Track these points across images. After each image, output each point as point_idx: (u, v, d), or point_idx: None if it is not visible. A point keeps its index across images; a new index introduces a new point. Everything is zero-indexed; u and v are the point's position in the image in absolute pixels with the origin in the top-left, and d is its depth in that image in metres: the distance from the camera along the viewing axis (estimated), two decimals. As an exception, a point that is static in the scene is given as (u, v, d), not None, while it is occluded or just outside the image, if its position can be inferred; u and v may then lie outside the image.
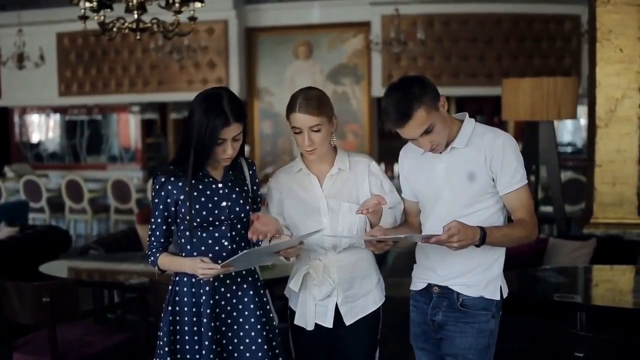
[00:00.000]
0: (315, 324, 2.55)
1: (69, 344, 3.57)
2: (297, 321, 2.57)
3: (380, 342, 2.68)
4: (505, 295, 2.48)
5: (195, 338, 2.41)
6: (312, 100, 2.46)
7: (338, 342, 2.59)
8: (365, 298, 2.59)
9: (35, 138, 12.22)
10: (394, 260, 7.38)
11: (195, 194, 2.39)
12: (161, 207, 2.44)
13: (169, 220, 2.46)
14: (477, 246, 2.23)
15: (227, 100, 2.33)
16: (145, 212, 6.22)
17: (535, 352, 3.41)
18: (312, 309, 2.54)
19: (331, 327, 2.54)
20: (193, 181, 2.38)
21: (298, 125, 2.45)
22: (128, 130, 11.86)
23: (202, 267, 2.31)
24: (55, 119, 12.08)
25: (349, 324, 2.56)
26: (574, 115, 5.01)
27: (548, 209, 6.37)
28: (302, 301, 2.56)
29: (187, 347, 2.42)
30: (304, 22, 10.62)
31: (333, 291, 2.53)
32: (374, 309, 2.60)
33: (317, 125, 2.45)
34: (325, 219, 2.50)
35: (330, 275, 2.53)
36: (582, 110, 7.76)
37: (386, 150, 10.84)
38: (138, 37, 4.66)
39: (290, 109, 2.47)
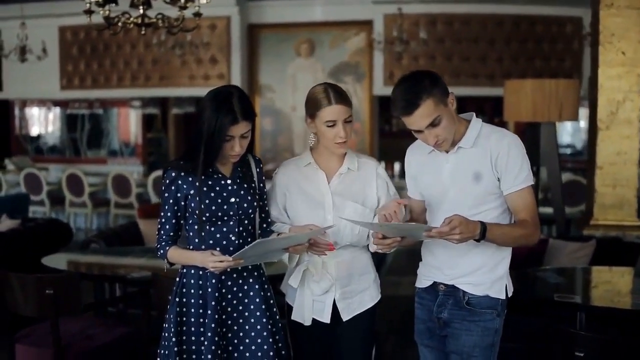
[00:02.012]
0: (313, 319, 2.58)
1: (71, 336, 3.59)
2: (295, 316, 2.60)
3: (379, 339, 2.70)
4: (510, 294, 2.50)
5: (201, 330, 2.45)
6: (343, 92, 2.53)
7: (335, 338, 2.62)
8: (362, 294, 2.62)
9: (35, 131, 12.22)
10: (393, 259, 7.40)
11: (204, 189, 2.43)
12: (171, 201, 2.47)
13: (179, 214, 2.50)
14: (477, 241, 2.24)
15: (236, 98, 2.37)
16: (146, 207, 6.24)
17: (536, 351, 3.45)
18: (309, 305, 2.57)
19: (328, 322, 2.57)
20: (203, 177, 2.42)
21: (333, 118, 2.48)
22: (129, 124, 11.86)
23: (213, 260, 2.34)
24: (56, 112, 12.08)
25: (346, 319, 2.58)
26: (575, 117, 5.04)
27: (548, 210, 6.39)
28: (300, 297, 2.58)
29: (193, 338, 2.46)
30: (306, 19, 10.62)
31: (331, 287, 2.55)
32: (370, 306, 2.63)
33: (350, 116, 2.51)
34: (329, 215, 2.52)
35: (328, 270, 2.55)
36: (583, 112, 7.77)
37: (387, 149, 10.87)
38: (143, 32, 4.67)
39: (323, 102, 2.49)
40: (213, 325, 2.41)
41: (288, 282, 2.61)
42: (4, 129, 12.48)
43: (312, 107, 2.53)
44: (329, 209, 2.53)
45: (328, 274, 2.55)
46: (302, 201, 2.57)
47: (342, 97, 2.50)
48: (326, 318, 2.57)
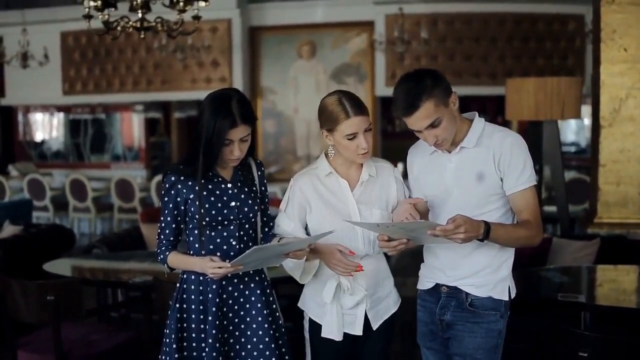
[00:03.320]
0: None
1: (73, 342, 3.58)
2: (325, 333, 2.51)
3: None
4: (513, 295, 2.47)
5: (202, 336, 2.43)
6: (358, 100, 2.44)
7: (362, 348, 2.59)
8: (387, 300, 2.60)
9: (39, 137, 12.25)
10: (397, 261, 7.37)
11: (204, 193, 2.41)
12: (171, 205, 2.46)
13: (179, 219, 2.48)
14: (481, 240, 2.22)
15: (235, 101, 2.35)
16: (149, 211, 6.23)
17: (539, 351, 3.42)
18: (340, 319, 2.50)
19: (361, 334, 2.52)
20: (203, 181, 2.40)
21: (354, 131, 2.39)
22: (131, 129, 11.89)
23: (212, 266, 2.32)
24: (59, 117, 12.11)
25: (376, 327, 2.55)
26: (577, 115, 5.00)
27: (552, 208, 6.36)
28: (330, 312, 2.50)
29: (194, 344, 2.44)
30: (307, 21, 10.61)
31: (364, 298, 2.51)
32: (394, 310, 2.62)
33: (370, 124, 2.44)
34: (357, 225, 2.46)
35: (359, 282, 2.51)
36: (586, 110, 7.75)
37: (390, 150, 10.82)
38: (142, 36, 4.67)
39: (340, 116, 2.39)
40: (214, 331, 2.40)
41: (321, 297, 2.51)
42: (7, 135, 12.53)
43: (329, 121, 2.42)
44: (355, 218, 2.47)
45: (359, 286, 2.50)
46: (326, 213, 2.49)
47: (360, 107, 2.42)
48: (358, 330, 2.52)
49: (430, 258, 2.53)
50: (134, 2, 4.48)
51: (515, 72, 9.79)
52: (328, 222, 2.48)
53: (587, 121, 10.76)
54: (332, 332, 2.50)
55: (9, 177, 10.96)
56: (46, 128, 12.25)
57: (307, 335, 2.60)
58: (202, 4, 4.58)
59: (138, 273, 4.08)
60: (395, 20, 9.56)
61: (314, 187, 2.52)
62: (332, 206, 2.49)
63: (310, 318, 2.58)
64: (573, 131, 12.46)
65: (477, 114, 2.46)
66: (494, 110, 11.99)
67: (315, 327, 2.55)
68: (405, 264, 6.58)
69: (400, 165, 9.55)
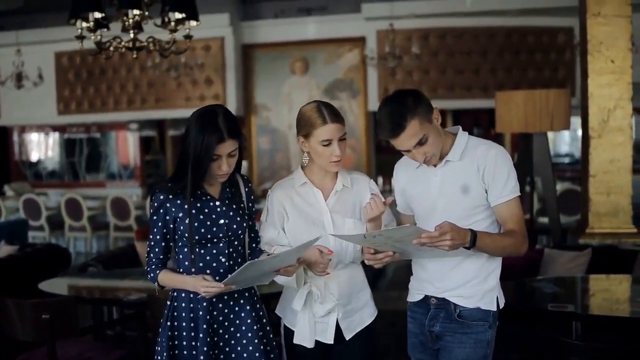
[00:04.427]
0: (315, 341, 2.57)
1: (69, 360, 3.59)
2: (297, 340, 2.56)
3: (380, 354, 2.70)
4: (502, 305, 2.50)
5: (193, 353, 2.43)
6: (335, 109, 2.52)
7: (336, 357, 2.61)
8: (361, 312, 2.62)
9: (34, 156, 12.28)
10: (393, 274, 7.40)
11: (193, 211, 2.42)
12: (160, 224, 2.46)
13: (168, 237, 2.48)
14: (468, 248, 2.25)
15: (222, 117, 2.37)
16: (144, 229, 6.24)
17: (531, 361, 3.44)
18: (312, 327, 2.55)
19: (332, 342, 2.55)
20: (192, 199, 2.42)
21: (328, 137, 2.46)
22: (126, 147, 11.92)
23: (205, 285, 2.33)
24: (54, 137, 12.14)
25: (348, 338, 2.57)
26: (567, 127, 5.06)
27: (544, 219, 6.39)
28: (302, 319, 2.55)
29: (185, 361, 2.44)
30: (300, 37, 10.70)
31: (335, 307, 2.54)
32: (369, 322, 2.63)
33: (344, 133, 2.50)
34: (330, 233, 2.51)
35: (330, 291, 2.55)
36: (578, 121, 7.81)
37: (384, 164, 10.86)
38: (135, 55, 4.71)
39: (317, 122, 2.47)
40: (205, 348, 2.40)
41: (291, 305, 2.56)
42: (2, 155, 12.55)
43: (306, 126, 2.50)
44: (329, 227, 2.52)
45: (331, 294, 2.54)
46: (301, 222, 2.55)
47: (336, 116, 2.49)
48: (329, 339, 2.55)
49: (419, 270, 2.56)
50: (126, 23, 4.53)
51: (506, 84, 9.87)
52: (304, 230, 2.52)
53: (580, 132, 10.83)
54: (303, 339, 2.55)
55: (4, 197, 10.98)
56: (41, 148, 12.28)
57: (282, 341, 2.65)
58: (194, 23, 4.63)
59: (133, 291, 4.09)
60: (386, 36, 9.64)
61: (290, 197, 2.58)
62: (306, 215, 2.54)
63: (284, 324, 2.63)
64: (566, 142, 12.55)
65: (460, 128, 2.51)
66: (486, 123, 12.06)
67: (289, 333, 2.60)
68: (402, 277, 6.60)
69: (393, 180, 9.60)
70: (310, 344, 2.54)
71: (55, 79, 11.33)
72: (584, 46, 5.05)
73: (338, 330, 2.57)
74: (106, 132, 11.91)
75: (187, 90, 10.83)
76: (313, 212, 2.55)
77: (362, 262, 2.61)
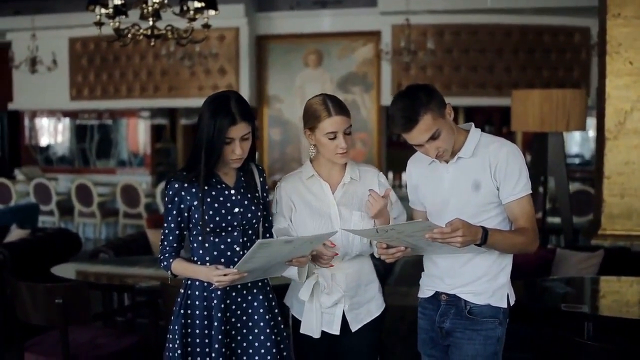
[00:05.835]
0: (322, 331, 2.58)
1: (80, 345, 3.61)
2: (304, 330, 2.58)
3: (386, 350, 2.70)
4: (512, 302, 2.50)
5: (206, 341, 2.44)
6: (341, 103, 2.54)
7: (342, 348, 2.62)
8: (369, 304, 2.63)
9: (45, 141, 12.30)
10: (401, 269, 7.39)
11: (208, 199, 2.43)
12: (174, 212, 2.47)
13: (182, 225, 2.49)
14: (479, 245, 2.25)
15: (234, 101, 2.38)
16: (154, 217, 6.27)
17: (542, 361, 3.44)
18: (319, 317, 2.56)
19: (338, 334, 2.57)
20: (206, 187, 2.42)
21: (334, 129, 2.48)
22: (137, 135, 11.93)
23: (217, 274, 2.33)
24: (65, 122, 12.16)
25: (354, 330, 2.59)
26: (582, 127, 5.03)
27: (556, 220, 6.37)
28: (309, 309, 2.57)
29: (198, 349, 2.45)
30: (314, 30, 10.67)
31: (341, 298, 2.56)
32: (377, 315, 2.65)
33: (350, 126, 2.52)
34: (337, 226, 2.52)
35: (337, 282, 2.56)
36: (591, 122, 7.77)
37: (395, 159, 10.86)
38: (152, 43, 4.71)
39: (322, 114, 2.49)
40: (220, 336, 2.42)
41: (298, 295, 2.58)
42: (14, 139, 12.59)
43: (311, 119, 2.52)
44: (335, 220, 2.54)
45: (338, 286, 2.56)
46: (308, 214, 2.57)
47: (342, 108, 2.51)
48: (336, 330, 2.57)
49: (430, 266, 2.57)
50: (145, 10, 4.54)
51: (520, 83, 9.82)
52: (310, 223, 2.54)
53: (591, 133, 10.78)
54: (310, 329, 2.57)
55: (15, 181, 11.01)
56: (52, 133, 12.30)
57: (290, 330, 2.67)
58: (212, 12, 4.63)
59: (144, 278, 4.11)
60: (401, 31, 9.60)
61: (297, 189, 2.60)
62: (313, 208, 2.56)
63: (292, 314, 2.65)
64: (577, 143, 12.47)
65: (472, 124, 2.51)
66: (499, 121, 12.01)
67: (297, 323, 2.63)
68: (410, 273, 6.60)
69: (404, 175, 9.60)
70: (316, 335, 2.56)
71: (68, 64, 11.35)
72: (602, 47, 5.01)
73: (345, 322, 2.58)
74: (118, 119, 11.91)
75: (200, 79, 10.83)
76: (320, 205, 2.57)
77: (372, 255, 2.62)
